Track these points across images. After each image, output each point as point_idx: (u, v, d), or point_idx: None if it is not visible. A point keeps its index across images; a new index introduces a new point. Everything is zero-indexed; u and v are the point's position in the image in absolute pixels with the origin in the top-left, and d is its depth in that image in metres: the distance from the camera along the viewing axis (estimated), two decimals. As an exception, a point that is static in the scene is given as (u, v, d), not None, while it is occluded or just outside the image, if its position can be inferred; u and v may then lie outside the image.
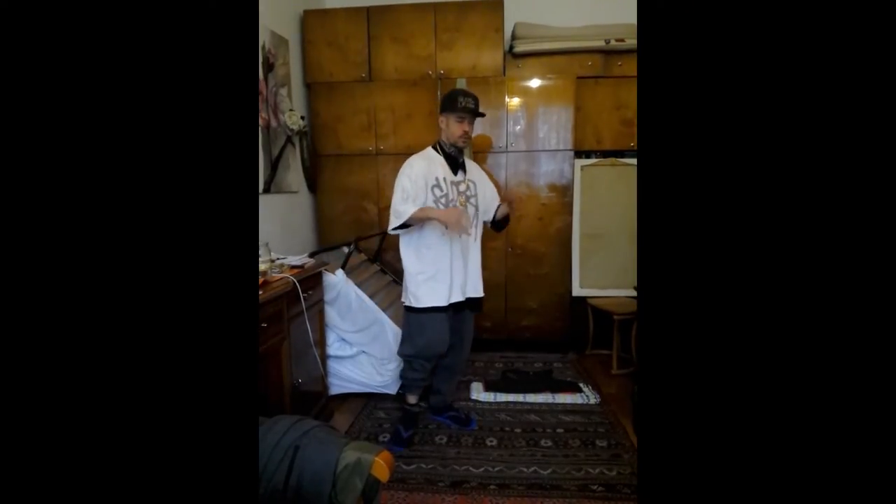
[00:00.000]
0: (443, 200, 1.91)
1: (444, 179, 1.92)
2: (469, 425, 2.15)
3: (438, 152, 1.98)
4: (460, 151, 1.98)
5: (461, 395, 2.44)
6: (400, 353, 2.12)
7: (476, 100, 1.95)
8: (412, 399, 2.14)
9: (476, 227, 2.04)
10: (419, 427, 2.17)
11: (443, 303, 1.95)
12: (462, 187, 1.98)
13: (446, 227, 1.83)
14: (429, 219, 1.85)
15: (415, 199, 1.84)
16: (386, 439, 2.06)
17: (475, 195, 2.02)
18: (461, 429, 2.14)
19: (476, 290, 2.08)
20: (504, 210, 2.09)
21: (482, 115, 1.98)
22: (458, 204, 1.94)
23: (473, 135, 2.84)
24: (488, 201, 2.09)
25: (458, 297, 1.99)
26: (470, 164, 2.10)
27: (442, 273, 1.94)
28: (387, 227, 1.94)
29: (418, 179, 1.87)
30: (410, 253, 1.98)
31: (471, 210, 1.99)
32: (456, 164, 1.98)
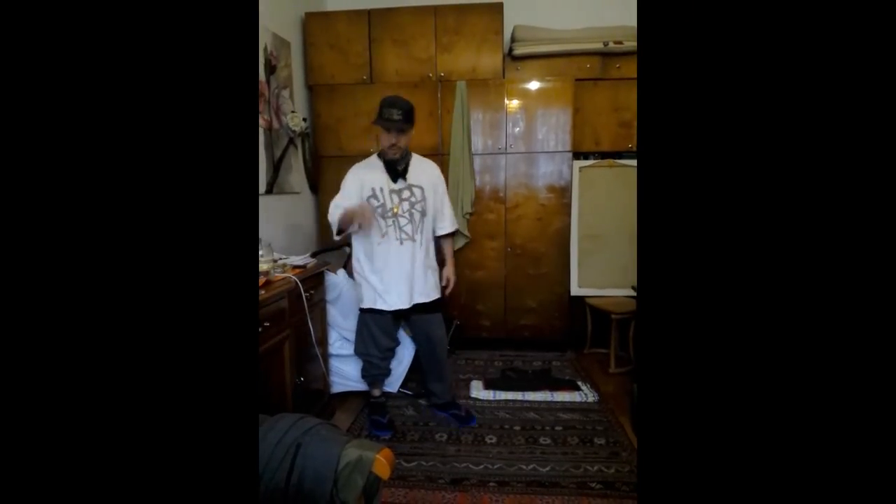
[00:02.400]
0: (379, 210, 1.96)
1: (382, 189, 1.97)
2: (470, 422, 2.18)
3: (380, 159, 2.02)
4: (400, 159, 1.98)
5: (461, 394, 2.46)
6: (355, 352, 2.23)
7: (404, 110, 1.91)
8: (376, 392, 2.26)
9: (421, 232, 2.03)
10: (420, 424, 2.19)
11: (382, 307, 2.04)
12: (405, 194, 1.99)
13: (359, 226, 1.89)
14: (346, 216, 1.87)
15: (347, 201, 1.93)
16: (366, 434, 2.11)
17: (421, 200, 2.01)
18: (461, 426, 2.16)
19: (424, 295, 2.07)
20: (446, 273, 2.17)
21: (411, 125, 1.94)
22: (399, 212, 1.97)
23: (477, 138, 2.90)
24: (437, 204, 2.09)
25: (401, 305, 2.02)
26: (419, 168, 2.05)
27: (384, 280, 2.02)
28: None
29: (352, 185, 1.99)
30: (359, 256, 2.08)
31: (416, 216, 2.00)
32: (396, 172, 1.99)
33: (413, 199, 2.00)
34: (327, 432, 1.14)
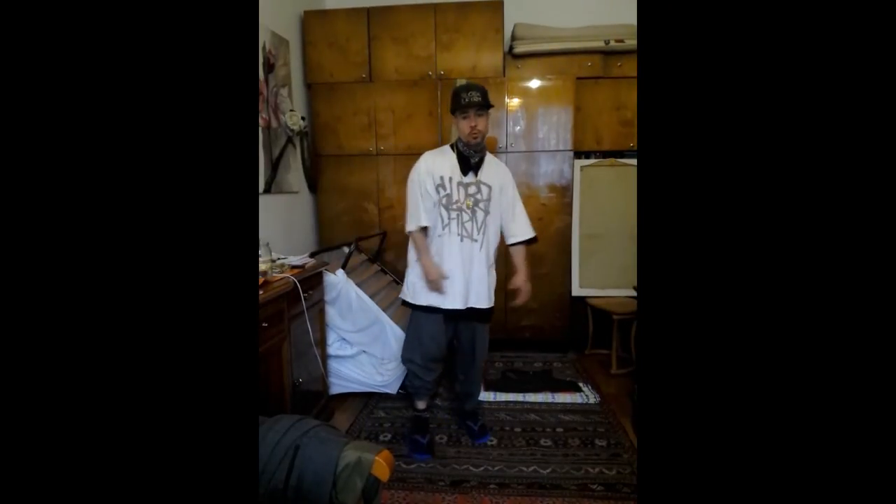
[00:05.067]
0: (444, 200, 1.87)
1: (450, 179, 1.87)
2: (482, 438, 2.05)
3: (454, 150, 1.92)
4: (476, 151, 1.88)
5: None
6: (402, 358, 2.09)
7: (482, 91, 1.83)
8: (420, 405, 2.11)
9: (484, 233, 1.90)
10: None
11: (439, 305, 1.92)
12: (472, 189, 1.88)
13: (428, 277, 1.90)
14: (419, 255, 1.92)
15: (423, 197, 1.88)
16: (405, 452, 1.94)
17: (487, 199, 1.89)
18: (471, 440, 2.06)
19: (479, 300, 1.94)
20: (520, 276, 1.98)
21: (489, 105, 1.84)
22: (463, 206, 1.87)
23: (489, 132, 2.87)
24: (505, 208, 1.95)
25: (456, 305, 1.90)
26: (492, 166, 1.94)
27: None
28: (394, 225, 2.07)
29: (424, 178, 1.89)
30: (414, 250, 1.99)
31: (479, 214, 1.88)
32: (468, 165, 1.89)
33: (479, 197, 1.88)
34: (326, 434, 1.13)
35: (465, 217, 1.88)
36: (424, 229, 1.92)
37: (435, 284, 1.89)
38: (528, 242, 2.00)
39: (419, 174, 1.90)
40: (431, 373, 2.02)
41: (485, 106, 1.82)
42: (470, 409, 2.14)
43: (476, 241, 1.89)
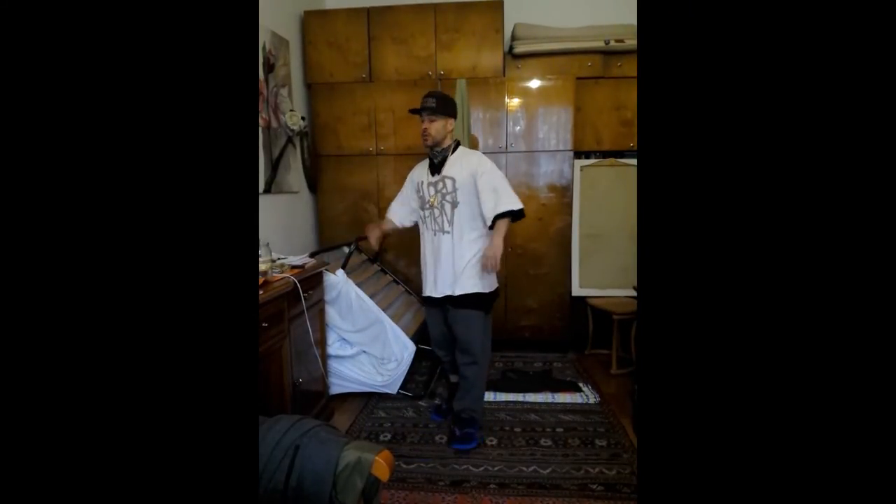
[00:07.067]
0: (420, 202, 2.11)
1: (422, 182, 2.08)
2: (464, 444, 1.99)
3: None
4: (438, 152, 2.01)
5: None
6: None
7: (437, 98, 1.95)
8: (453, 378, 2.29)
9: (453, 223, 1.98)
10: (420, 426, 2.18)
11: (424, 294, 2.14)
12: (438, 185, 2.02)
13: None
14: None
15: (402, 197, 2.20)
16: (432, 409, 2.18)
17: (452, 191, 1.98)
18: (449, 444, 2.02)
19: (454, 287, 1.99)
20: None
21: (443, 112, 1.94)
22: (434, 203, 2.03)
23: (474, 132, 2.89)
24: (472, 192, 1.96)
25: (433, 293, 2.06)
26: (458, 161, 1.99)
27: (422, 268, 2.14)
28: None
29: (408, 185, 2.19)
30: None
31: (447, 207, 1.99)
32: (434, 166, 2.05)
33: (444, 191, 2.00)
34: (326, 434, 1.13)
35: (436, 213, 2.03)
36: (408, 224, 2.23)
37: (369, 236, 2.17)
38: (503, 217, 1.92)
39: (406, 182, 2.19)
40: (443, 353, 2.25)
41: (436, 111, 1.94)
42: (459, 409, 2.06)
43: (448, 232, 2.01)
